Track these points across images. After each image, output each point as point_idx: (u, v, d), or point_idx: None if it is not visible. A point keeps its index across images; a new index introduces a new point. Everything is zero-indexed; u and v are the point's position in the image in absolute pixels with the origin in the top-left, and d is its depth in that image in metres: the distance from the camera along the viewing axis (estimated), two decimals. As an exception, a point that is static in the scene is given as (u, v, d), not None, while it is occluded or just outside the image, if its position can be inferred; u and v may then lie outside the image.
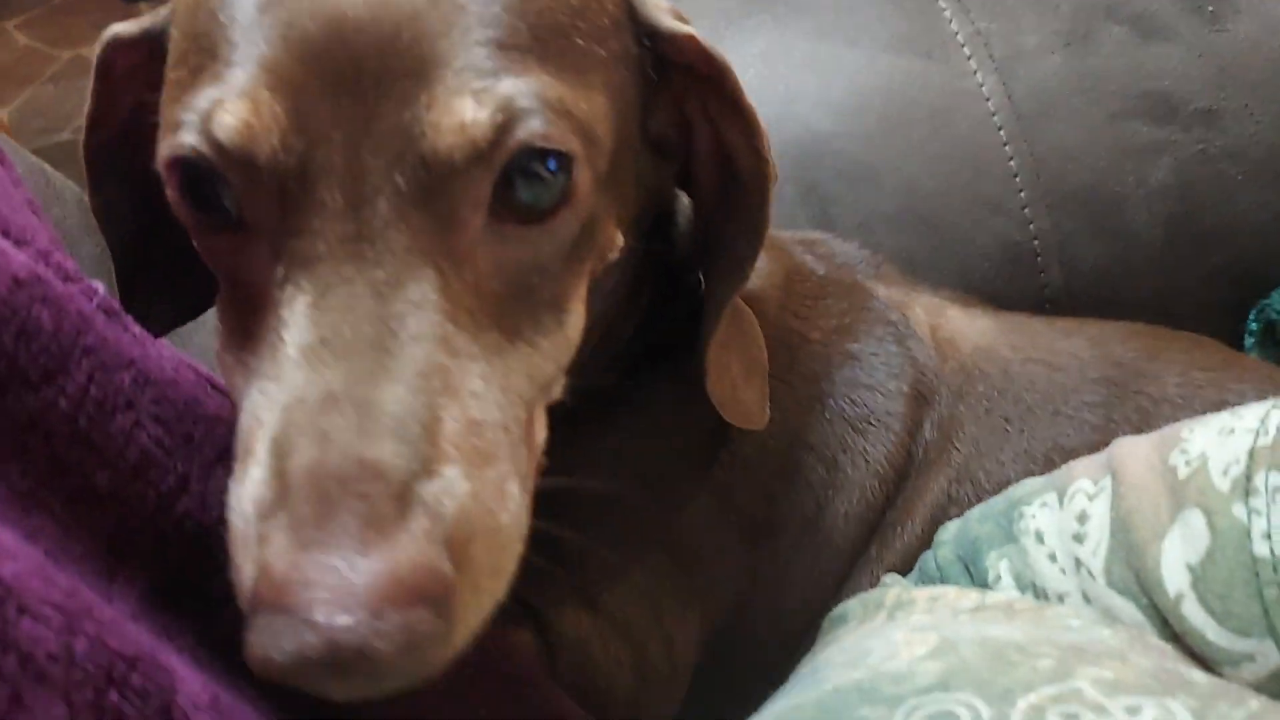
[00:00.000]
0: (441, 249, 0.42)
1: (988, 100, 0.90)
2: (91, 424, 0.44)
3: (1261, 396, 0.65)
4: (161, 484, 0.46)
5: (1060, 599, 0.51)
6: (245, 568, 0.37)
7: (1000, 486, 0.62)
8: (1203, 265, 0.91)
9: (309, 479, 0.37)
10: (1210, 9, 0.91)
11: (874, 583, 0.62)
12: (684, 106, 0.54)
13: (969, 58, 0.92)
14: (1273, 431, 0.47)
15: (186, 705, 0.41)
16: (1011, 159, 0.90)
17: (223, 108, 0.41)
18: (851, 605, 0.59)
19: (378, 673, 0.35)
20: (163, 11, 0.50)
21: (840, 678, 0.46)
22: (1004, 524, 0.55)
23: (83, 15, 3.00)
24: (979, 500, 0.62)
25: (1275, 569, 0.44)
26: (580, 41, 0.47)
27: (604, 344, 0.59)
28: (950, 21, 0.93)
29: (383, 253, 0.41)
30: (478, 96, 0.41)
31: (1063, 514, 0.53)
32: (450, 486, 0.38)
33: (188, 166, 0.43)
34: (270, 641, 0.35)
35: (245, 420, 0.41)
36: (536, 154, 0.43)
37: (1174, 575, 0.47)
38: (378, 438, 0.38)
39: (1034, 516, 0.55)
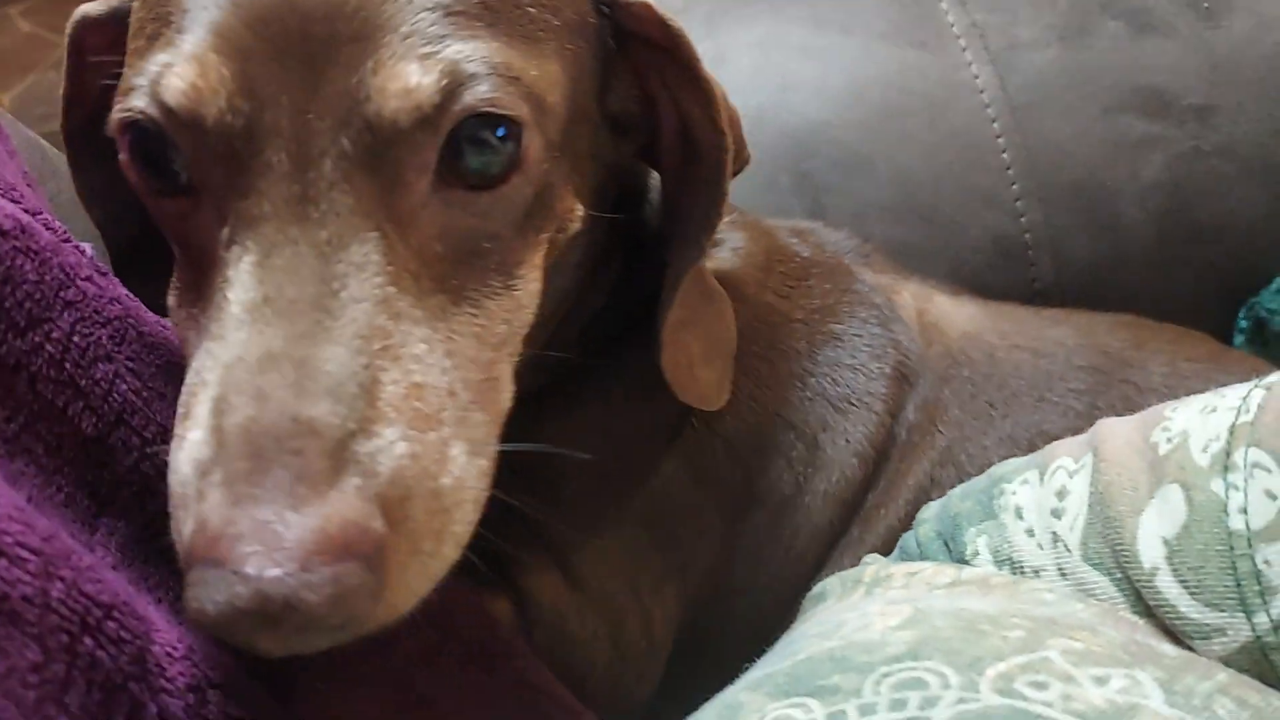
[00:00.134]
0: (386, 212, 0.42)
1: (982, 92, 0.91)
2: (77, 369, 0.44)
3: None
4: (144, 432, 0.46)
5: (1036, 574, 0.51)
6: (184, 525, 0.38)
7: (983, 470, 0.62)
8: (1194, 261, 0.91)
9: (244, 436, 0.38)
10: (1206, 5, 0.91)
11: (856, 564, 0.62)
12: (646, 80, 0.54)
13: (964, 49, 0.92)
14: (1254, 409, 0.47)
15: (161, 655, 0.41)
16: (1005, 151, 0.90)
17: (171, 71, 0.42)
18: (831, 583, 0.59)
19: (307, 626, 0.35)
20: None
21: (814, 647, 0.47)
22: (984, 501, 0.56)
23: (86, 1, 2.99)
24: (961, 483, 0.62)
25: (1250, 543, 0.44)
26: (533, 9, 0.47)
27: (572, 317, 0.59)
28: (947, 13, 0.93)
29: (327, 214, 0.41)
30: (423, 61, 0.42)
31: (1043, 490, 0.53)
32: (387, 446, 0.39)
33: (138, 130, 0.44)
34: (203, 594, 0.35)
35: (190, 380, 0.41)
36: (484, 119, 0.43)
37: (1150, 549, 0.47)
38: (314, 396, 0.38)
39: (1014, 493, 0.55)
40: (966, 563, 0.54)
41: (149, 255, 0.58)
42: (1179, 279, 0.92)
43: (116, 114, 0.44)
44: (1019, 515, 0.53)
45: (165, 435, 0.46)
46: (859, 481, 0.64)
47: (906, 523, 0.63)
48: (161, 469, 0.47)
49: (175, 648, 0.42)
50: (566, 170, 0.50)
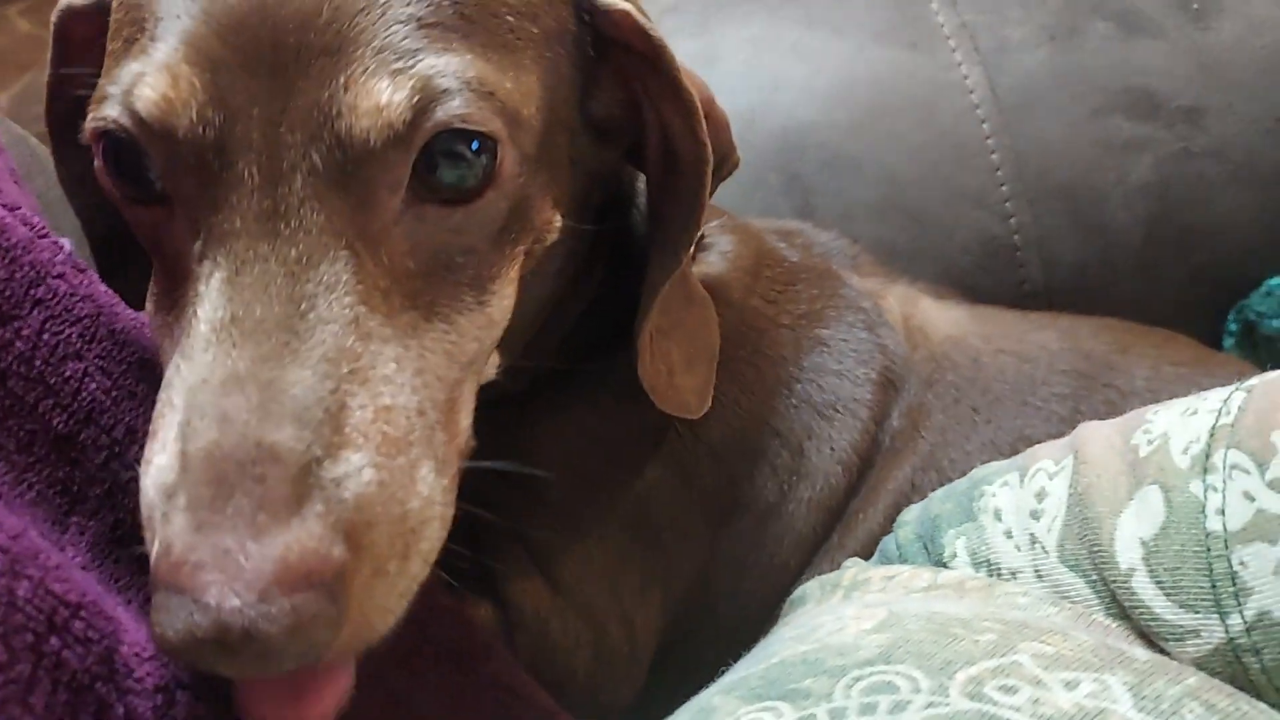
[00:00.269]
0: (357, 229, 0.42)
1: (972, 93, 0.91)
2: (47, 367, 0.44)
3: (1231, 387, 0.65)
4: (113, 431, 0.46)
5: (1013, 575, 0.51)
6: (151, 546, 0.38)
7: (965, 475, 0.62)
8: (1182, 263, 0.91)
9: (208, 461, 0.38)
10: (1195, 7, 0.91)
11: (835, 568, 0.62)
12: (629, 85, 0.54)
13: (954, 50, 0.92)
14: (1234, 411, 0.47)
15: (129, 655, 0.41)
16: (994, 152, 0.90)
17: (143, 81, 0.42)
18: (810, 587, 0.59)
19: (266, 653, 0.35)
20: None
21: (788, 651, 0.46)
22: (964, 503, 0.56)
23: (85, -3, 2.98)
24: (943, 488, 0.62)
25: (1226, 544, 0.44)
26: (510, 18, 0.46)
27: (553, 323, 0.58)
28: (937, 14, 0.93)
29: (297, 231, 0.41)
30: (395, 78, 0.41)
31: (1022, 492, 0.53)
32: (352, 472, 0.39)
33: (111, 139, 0.44)
34: (165, 619, 0.35)
35: (160, 398, 0.41)
36: (458, 135, 0.43)
37: (1127, 549, 0.47)
38: (278, 421, 0.38)
39: (994, 495, 0.55)
40: (945, 564, 0.54)
41: (131, 247, 0.58)
42: (1168, 281, 0.91)
43: (90, 122, 0.44)
44: (998, 517, 0.53)
45: (134, 435, 0.46)
46: (843, 489, 0.64)
47: (887, 527, 0.62)
48: (131, 468, 0.47)
49: (144, 648, 0.41)
50: (544, 181, 0.49)
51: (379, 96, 0.41)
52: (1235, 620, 0.43)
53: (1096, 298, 0.91)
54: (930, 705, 0.38)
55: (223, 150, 0.41)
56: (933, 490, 0.62)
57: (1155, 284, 0.91)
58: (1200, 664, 0.43)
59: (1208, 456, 0.46)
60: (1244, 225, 0.90)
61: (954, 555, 0.54)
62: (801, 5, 0.96)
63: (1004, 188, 0.90)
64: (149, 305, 0.47)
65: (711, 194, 0.55)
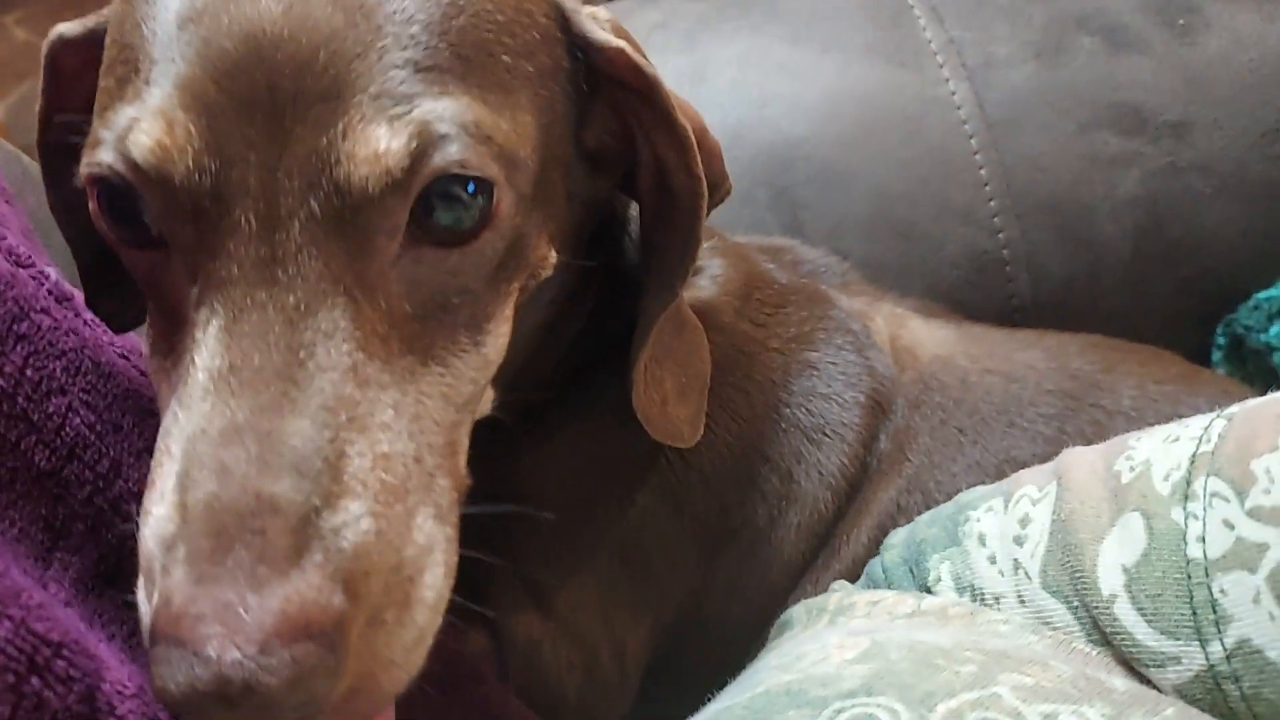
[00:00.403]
0: (355, 275, 0.42)
1: (959, 109, 0.91)
2: (30, 403, 0.44)
3: (1215, 410, 0.65)
4: (97, 466, 0.46)
5: (997, 601, 0.51)
6: (150, 599, 0.38)
7: (950, 497, 0.62)
8: (1170, 277, 0.91)
9: (207, 513, 0.37)
10: (1181, 23, 0.91)
11: (818, 590, 0.62)
12: (623, 117, 0.53)
13: (941, 66, 0.92)
14: (1214, 439, 0.47)
15: (111, 693, 0.41)
16: (982, 168, 0.90)
17: (138, 127, 0.41)
18: (796, 611, 0.59)
19: (266, 705, 0.35)
20: (105, 11, 0.50)
21: (772, 680, 0.47)
22: (950, 527, 0.56)
23: (82, 10, 2.97)
24: (928, 510, 0.62)
25: (1207, 572, 0.44)
26: (506, 58, 0.46)
27: (544, 352, 0.58)
28: (924, 30, 0.94)
29: (295, 278, 0.41)
30: (392, 124, 0.41)
31: (1006, 517, 0.54)
32: (351, 522, 0.39)
33: (107, 184, 0.43)
34: (166, 672, 0.35)
35: (158, 447, 0.41)
36: (455, 179, 0.43)
37: (1109, 576, 0.47)
38: (277, 472, 0.38)
39: (979, 520, 0.55)
40: (930, 589, 0.54)
41: (119, 272, 0.58)
42: (1156, 294, 0.92)
43: (85, 167, 0.44)
44: (982, 542, 0.53)
45: (119, 469, 0.46)
46: (831, 514, 0.64)
47: (872, 549, 0.62)
48: (115, 503, 0.47)
49: (125, 685, 0.41)
50: (540, 218, 0.49)
51: (377, 144, 0.41)
52: (1215, 648, 0.43)
53: (1085, 311, 0.91)
54: (911, 738, 0.38)
55: (219, 197, 0.41)
56: (919, 512, 0.63)
57: (1143, 298, 0.92)
58: (1181, 691, 0.44)
59: (1188, 484, 0.46)
60: (1231, 239, 0.91)
61: (939, 580, 0.54)
62: (789, 22, 0.96)
63: (992, 203, 0.90)
64: (145, 348, 0.46)
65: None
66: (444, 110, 0.42)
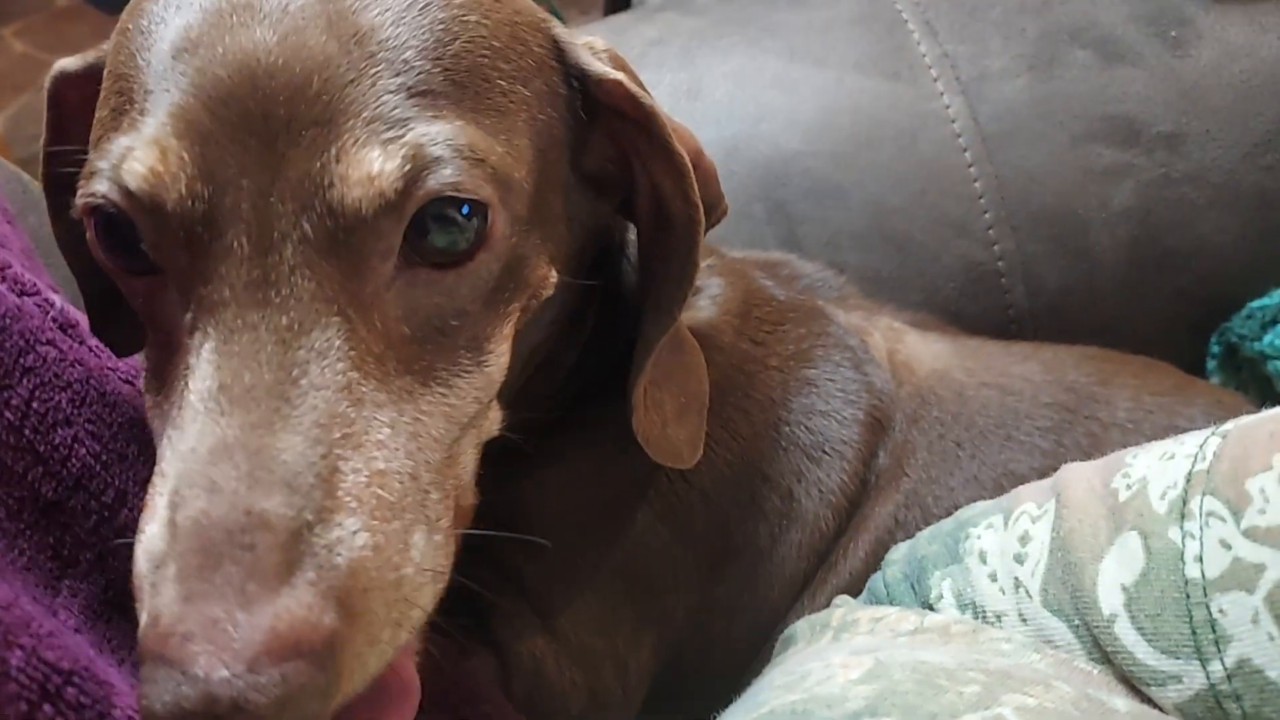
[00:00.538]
0: (349, 296, 0.42)
1: (953, 122, 0.91)
2: (36, 435, 0.45)
3: (1210, 421, 0.65)
4: (103, 496, 0.46)
5: (998, 619, 0.51)
6: (140, 618, 0.38)
7: (949, 511, 0.62)
8: (1165, 287, 0.92)
9: (196, 530, 0.37)
10: (1173, 35, 0.92)
11: (816, 605, 0.63)
12: (621, 144, 0.54)
13: (936, 80, 0.93)
14: (1209, 457, 0.48)
15: (122, 718, 0.41)
16: (976, 180, 0.91)
17: (132, 155, 0.42)
18: (800, 626, 0.59)
19: None
20: (105, 45, 0.50)
21: (777, 700, 0.47)
22: (950, 544, 0.56)
23: (81, 23, 2.98)
24: (926, 525, 0.62)
25: (1205, 591, 0.44)
26: (502, 82, 0.47)
27: (545, 373, 0.59)
28: (918, 44, 0.94)
29: (288, 299, 0.41)
30: (386, 147, 0.41)
31: (1006, 535, 0.54)
32: (345, 538, 0.38)
33: (102, 214, 0.43)
34: (153, 691, 0.35)
35: (156, 471, 0.41)
36: (449, 201, 0.43)
37: (1109, 595, 0.47)
38: (267, 488, 0.38)
39: (979, 537, 0.55)
40: (931, 606, 0.54)
41: (123, 301, 0.58)
42: (1150, 305, 0.92)
43: (80, 198, 0.44)
44: (983, 560, 0.54)
45: (125, 498, 0.47)
46: (832, 532, 0.64)
47: (869, 564, 0.63)
48: (121, 532, 0.47)
49: (136, 712, 0.42)
50: (538, 239, 0.49)
51: (370, 166, 0.41)
52: (1216, 667, 0.44)
53: (1081, 321, 0.92)
54: (915, 760, 0.39)
55: (212, 222, 0.41)
56: (917, 527, 0.63)
57: (1138, 308, 0.92)
58: (1182, 709, 0.44)
59: (1185, 503, 0.47)
60: (1225, 248, 0.91)
61: (940, 597, 0.54)
62: (784, 37, 0.97)
63: (987, 215, 0.91)
64: (142, 383, 0.47)
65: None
66: (438, 133, 0.42)
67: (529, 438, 0.59)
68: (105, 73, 0.47)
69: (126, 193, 0.42)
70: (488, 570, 0.51)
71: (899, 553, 0.60)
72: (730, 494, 0.63)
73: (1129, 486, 0.50)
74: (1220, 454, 0.47)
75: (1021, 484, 0.61)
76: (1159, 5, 0.93)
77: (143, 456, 0.49)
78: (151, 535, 0.39)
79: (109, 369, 0.51)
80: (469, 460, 0.47)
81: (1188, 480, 0.47)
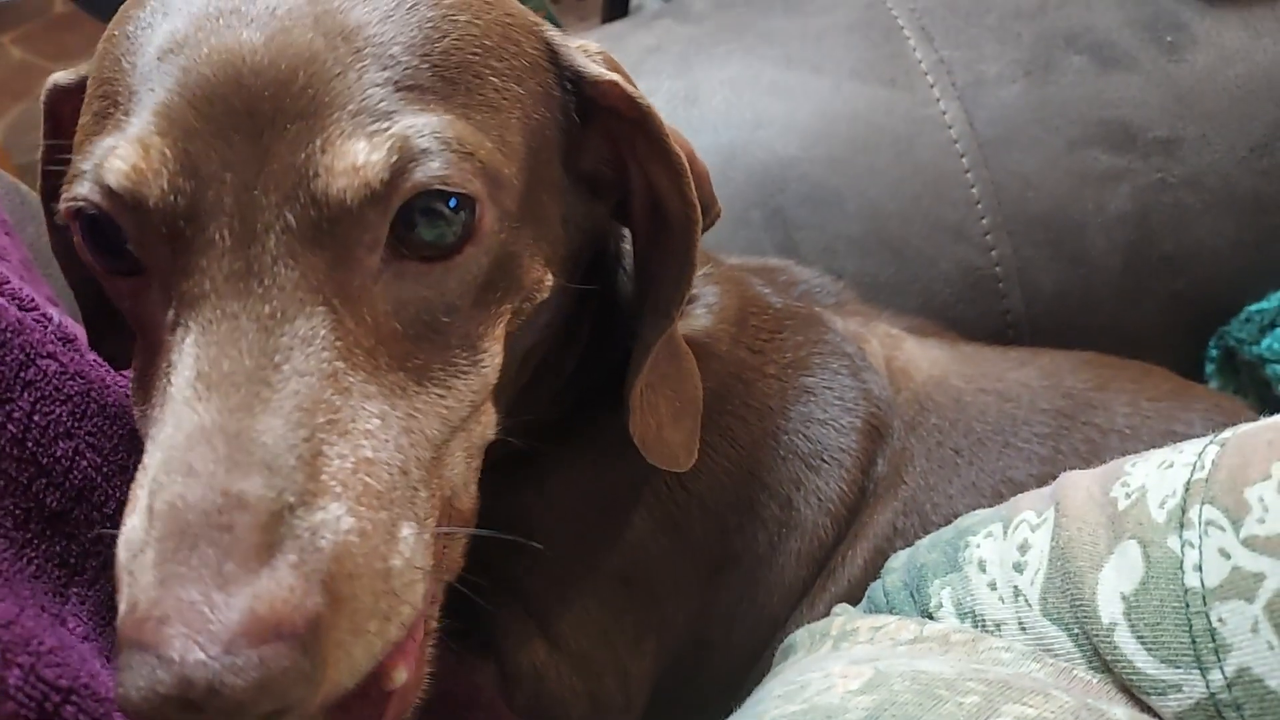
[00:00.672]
0: (335, 286, 0.42)
1: (950, 127, 0.92)
2: (39, 448, 0.45)
3: (1208, 426, 0.66)
4: (105, 507, 0.46)
5: (998, 627, 0.51)
6: (120, 608, 0.37)
7: (948, 519, 0.62)
8: (1162, 291, 0.92)
9: (172, 514, 0.37)
10: (1169, 39, 0.92)
11: (815, 613, 0.63)
12: (616, 145, 0.54)
13: (932, 85, 0.93)
14: (1208, 466, 0.48)
15: (123, 734, 0.41)
16: (973, 185, 0.91)
17: (114, 154, 0.41)
18: (800, 635, 0.59)
19: (233, 710, 0.34)
20: None
21: (776, 710, 0.47)
22: (950, 553, 0.56)
23: (79, 30, 2.98)
24: (925, 533, 0.62)
25: (1204, 600, 0.44)
26: (494, 80, 0.47)
27: (541, 378, 0.59)
28: (914, 50, 0.94)
29: (270, 288, 0.40)
30: (372, 138, 0.41)
31: (1006, 544, 0.54)
32: (329, 521, 0.38)
33: (87, 216, 0.43)
34: (128, 679, 0.34)
35: (139, 467, 0.40)
36: (436, 194, 0.43)
37: (1109, 604, 0.47)
38: (245, 469, 0.37)
39: (979, 546, 0.55)
40: (931, 614, 0.54)
41: (120, 314, 0.58)
42: (1148, 309, 0.92)
43: (63, 202, 0.44)
44: (982, 568, 0.54)
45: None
46: (831, 540, 0.64)
47: (868, 571, 0.63)
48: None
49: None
50: (530, 239, 0.49)
51: (356, 156, 0.41)
52: (1216, 676, 0.44)
53: (1078, 326, 0.92)
54: (915, 772, 0.39)
55: (194, 216, 0.41)
56: (915, 535, 0.63)
57: (1136, 312, 0.92)
58: (1182, 718, 0.44)
59: (1184, 512, 0.47)
60: (1222, 252, 0.91)
61: (940, 605, 0.54)
62: (780, 44, 0.97)
63: (984, 220, 0.91)
64: (131, 393, 0.47)
65: None
66: (424, 125, 0.42)
67: (529, 443, 0.59)
68: (90, 79, 0.47)
69: (108, 192, 0.42)
70: (488, 579, 0.50)
71: (898, 561, 0.60)
72: (729, 502, 0.63)
73: (1128, 495, 0.50)
74: (1219, 463, 0.47)
75: (1020, 490, 0.61)
76: (1154, 10, 0.93)
77: None
78: (131, 526, 0.38)
79: (109, 381, 0.51)
80: (458, 463, 0.47)
81: (1187, 489, 0.47)
